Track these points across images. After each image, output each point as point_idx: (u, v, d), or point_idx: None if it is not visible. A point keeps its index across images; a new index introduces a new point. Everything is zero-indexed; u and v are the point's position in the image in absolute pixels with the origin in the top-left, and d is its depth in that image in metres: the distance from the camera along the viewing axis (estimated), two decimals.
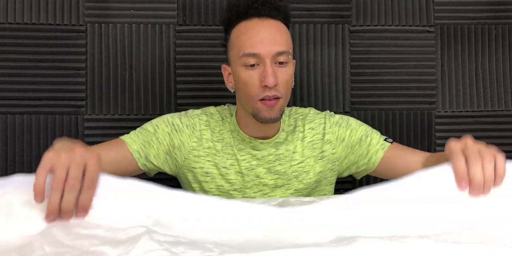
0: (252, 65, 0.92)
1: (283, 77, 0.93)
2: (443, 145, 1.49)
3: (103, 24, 1.41)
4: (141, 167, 0.99)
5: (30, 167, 1.36)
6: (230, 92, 1.43)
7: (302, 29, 1.45)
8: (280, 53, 0.92)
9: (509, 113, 1.51)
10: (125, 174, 0.95)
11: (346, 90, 1.48)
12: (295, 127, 1.05)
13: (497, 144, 1.54)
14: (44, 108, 1.38)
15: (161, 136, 0.99)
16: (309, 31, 1.46)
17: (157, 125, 1.00)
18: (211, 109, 1.08)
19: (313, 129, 1.05)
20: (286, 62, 0.94)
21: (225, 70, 1.02)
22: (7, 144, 1.36)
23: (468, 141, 0.73)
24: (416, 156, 1.01)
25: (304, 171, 1.02)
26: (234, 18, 0.96)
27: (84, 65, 1.40)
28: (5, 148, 1.36)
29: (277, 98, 0.93)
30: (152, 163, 0.99)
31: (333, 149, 1.04)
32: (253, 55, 0.91)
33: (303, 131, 1.05)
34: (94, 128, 1.39)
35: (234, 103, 1.09)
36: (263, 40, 0.92)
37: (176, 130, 1.00)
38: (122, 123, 1.40)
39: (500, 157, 0.69)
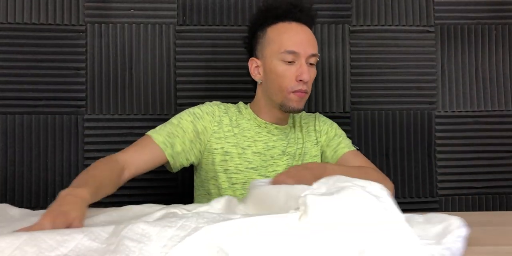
0: (290, 62, 1.06)
1: (312, 76, 1.09)
2: (443, 145, 1.49)
3: (103, 24, 1.41)
4: (168, 158, 1.05)
5: (30, 167, 1.37)
6: (230, 92, 1.44)
7: None
8: (313, 55, 1.08)
9: (509, 113, 1.51)
10: (156, 165, 1.05)
11: (346, 90, 1.48)
12: (294, 122, 1.22)
13: (497, 144, 1.55)
14: (44, 108, 1.38)
15: (185, 125, 1.07)
16: None
17: (180, 117, 1.10)
18: (228, 104, 1.19)
19: (306, 123, 1.22)
20: (314, 64, 1.10)
21: (253, 62, 1.13)
22: (7, 144, 1.36)
23: None
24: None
25: (305, 152, 1.16)
26: (272, 19, 1.10)
27: (84, 65, 1.40)
28: (5, 148, 1.36)
29: (306, 92, 1.08)
30: (177, 152, 1.06)
31: (320, 137, 1.21)
32: (293, 52, 1.05)
33: (301, 125, 1.21)
34: (94, 128, 1.39)
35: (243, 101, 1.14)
36: (302, 42, 1.07)
37: (197, 118, 1.09)
38: (122, 123, 1.41)
39: None
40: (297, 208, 0.62)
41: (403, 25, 1.49)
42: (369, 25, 1.49)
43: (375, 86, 1.49)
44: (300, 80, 1.06)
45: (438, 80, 1.50)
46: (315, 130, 1.21)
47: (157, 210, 0.76)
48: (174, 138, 1.05)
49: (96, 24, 1.40)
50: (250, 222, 0.59)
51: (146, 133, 1.07)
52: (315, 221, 0.59)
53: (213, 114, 1.11)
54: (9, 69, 1.37)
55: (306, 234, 0.57)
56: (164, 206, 0.81)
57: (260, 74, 1.12)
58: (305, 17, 1.10)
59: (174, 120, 1.10)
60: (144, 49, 1.42)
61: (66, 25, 1.40)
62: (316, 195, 0.63)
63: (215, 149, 1.09)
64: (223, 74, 1.44)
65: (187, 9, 1.43)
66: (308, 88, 1.08)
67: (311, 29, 1.12)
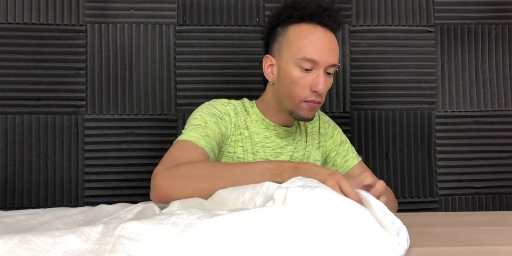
0: (307, 69, 0.98)
1: (327, 86, 1.01)
2: (443, 145, 1.49)
3: (103, 24, 1.41)
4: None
5: (30, 167, 1.37)
6: (230, 92, 1.43)
7: None
8: (333, 65, 1.00)
9: (509, 113, 1.51)
10: None
11: (346, 90, 1.48)
12: (299, 121, 1.15)
13: (497, 144, 1.55)
14: (44, 108, 1.38)
15: (212, 127, 0.99)
16: None
17: (203, 118, 1.00)
18: (233, 101, 1.11)
19: (311, 123, 1.17)
20: (332, 74, 1.02)
21: (267, 60, 1.05)
22: (7, 144, 1.36)
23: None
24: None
25: (307, 156, 1.12)
26: (297, 18, 1.01)
27: (84, 65, 1.40)
28: (5, 148, 1.36)
29: (319, 103, 1.01)
30: (214, 154, 0.99)
31: (324, 141, 1.16)
32: (312, 61, 0.97)
33: (305, 124, 1.16)
34: (94, 128, 1.39)
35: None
36: (324, 50, 0.98)
37: (219, 118, 1.02)
38: (122, 123, 1.41)
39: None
40: (273, 200, 0.63)
41: (403, 25, 1.49)
42: (369, 25, 1.49)
43: (375, 86, 1.49)
44: (314, 91, 0.99)
45: (438, 80, 1.50)
46: (319, 133, 1.16)
47: (132, 208, 0.76)
48: (211, 141, 0.96)
49: (96, 24, 1.40)
50: (239, 216, 0.60)
51: (179, 139, 0.95)
52: (294, 215, 0.60)
53: (229, 115, 1.04)
54: (9, 69, 1.37)
55: (285, 227, 0.59)
56: (136, 205, 0.81)
57: (273, 74, 1.04)
58: (332, 23, 1.01)
59: (199, 122, 0.99)
60: (144, 49, 1.42)
61: (66, 25, 1.40)
62: (297, 188, 0.64)
63: (228, 152, 1.04)
64: (223, 74, 1.44)
65: (187, 9, 1.43)
66: (321, 99, 1.01)
67: (335, 35, 1.03)
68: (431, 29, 1.50)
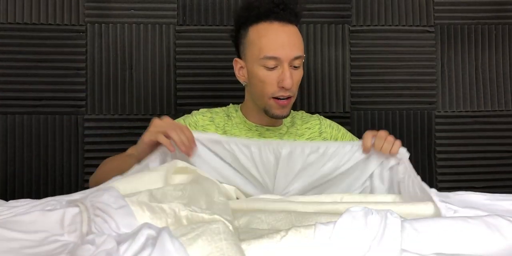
0: (271, 67, 0.99)
1: (296, 78, 1.02)
2: (443, 145, 1.49)
3: (103, 24, 1.41)
4: None
5: (30, 167, 1.36)
6: (230, 92, 1.43)
7: (302, 29, 1.45)
8: (297, 58, 1.00)
9: (509, 113, 1.51)
10: None
11: (346, 90, 1.48)
12: (293, 123, 1.14)
13: (497, 144, 1.55)
14: (44, 108, 1.38)
15: None
16: (309, 31, 1.46)
17: None
18: (217, 109, 1.15)
19: (309, 128, 1.14)
20: (299, 66, 1.03)
21: (237, 63, 1.08)
22: (7, 144, 1.36)
23: (381, 131, 0.96)
24: None
25: None
26: (254, 18, 1.02)
27: (84, 65, 1.40)
28: (5, 148, 1.36)
29: (289, 97, 1.02)
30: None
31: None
32: (274, 58, 0.99)
33: (301, 129, 1.13)
34: (94, 128, 1.39)
35: (236, 103, 1.15)
36: (284, 45, 0.99)
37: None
38: (122, 123, 1.41)
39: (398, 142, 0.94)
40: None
41: (403, 25, 1.49)
42: (369, 25, 1.49)
43: (375, 86, 1.49)
44: (282, 87, 0.99)
45: (438, 80, 1.50)
46: (319, 136, 1.13)
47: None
48: None
49: (96, 24, 1.40)
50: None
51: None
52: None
53: (196, 124, 1.08)
54: (9, 69, 1.37)
55: None
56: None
57: (244, 76, 1.07)
58: (289, 16, 1.01)
59: None
60: (144, 49, 1.42)
61: (66, 25, 1.40)
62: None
63: None
64: (223, 74, 1.44)
65: (187, 9, 1.43)
66: (291, 92, 1.02)
67: (297, 25, 1.04)
68: (431, 29, 1.50)
